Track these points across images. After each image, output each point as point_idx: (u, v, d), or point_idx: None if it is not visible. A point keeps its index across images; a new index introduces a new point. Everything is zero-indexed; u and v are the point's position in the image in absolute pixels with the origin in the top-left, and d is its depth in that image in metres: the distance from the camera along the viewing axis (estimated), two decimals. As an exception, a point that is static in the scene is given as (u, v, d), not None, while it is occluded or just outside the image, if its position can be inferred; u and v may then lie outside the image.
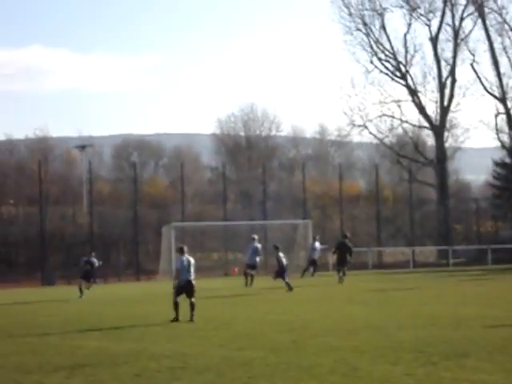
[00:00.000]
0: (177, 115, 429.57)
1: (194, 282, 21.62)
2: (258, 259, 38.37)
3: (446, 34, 70.48)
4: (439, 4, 69.97)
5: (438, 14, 70.06)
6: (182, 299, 21.14)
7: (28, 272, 56.47)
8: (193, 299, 21.28)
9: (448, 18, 69.93)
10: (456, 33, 69.46)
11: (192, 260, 21.99)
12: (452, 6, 69.63)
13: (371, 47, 70.62)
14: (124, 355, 14.46)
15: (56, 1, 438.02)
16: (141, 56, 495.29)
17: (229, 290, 34.50)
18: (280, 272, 32.54)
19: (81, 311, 25.88)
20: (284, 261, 32.67)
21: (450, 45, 70.17)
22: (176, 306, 21.14)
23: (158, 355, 14.29)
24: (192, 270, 21.73)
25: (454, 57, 69.69)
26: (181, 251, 22.09)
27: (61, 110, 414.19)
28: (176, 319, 20.83)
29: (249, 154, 78.98)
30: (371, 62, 71.01)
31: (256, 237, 39.60)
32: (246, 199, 70.67)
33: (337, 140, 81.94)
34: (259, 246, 39.31)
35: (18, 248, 60.44)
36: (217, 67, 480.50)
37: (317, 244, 44.22)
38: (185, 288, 21.46)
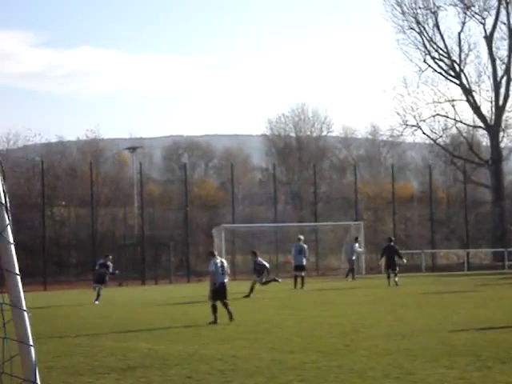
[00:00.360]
0: (227, 116, 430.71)
1: (227, 284, 22.11)
2: (304, 260, 38.37)
3: (501, 33, 69.58)
4: (494, 2, 69.09)
5: (493, 12, 69.16)
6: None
7: (79, 273, 57.16)
8: (225, 300, 21.72)
9: (503, 16, 69.03)
10: (511, 31, 68.53)
11: (225, 262, 22.37)
12: (507, 3, 68.66)
13: (424, 46, 70.01)
14: (175, 357, 14.56)
15: (105, 2, 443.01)
16: (192, 57, 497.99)
17: (279, 293, 34.50)
18: (260, 272, 33.47)
19: (132, 313, 26.12)
20: (266, 264, 34.21)
21: (505, 43, 69.22)
22: (214, 309, 21.40)
23: (208, 357, 14.36)
24: (225, 271, 22.20)
25: (509, 55, 68.74)
26: (212, 254, 22.66)
27: (112, 111, 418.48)
28: (214, 322, 21.03)
29: (299, 155, 78.85)
30: (424, 61, 70.42)
31: (302, 237, 39.64)
32: (297, 201, 70.64)
33: (389, 140, 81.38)
34: (305, 246, 39.34)
35: (69, 249, 61.21)
36: (267, 68, 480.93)
37: (356, 245, 44.08)
38: (220, 290, 21.78)
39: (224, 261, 22.60)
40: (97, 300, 32.35)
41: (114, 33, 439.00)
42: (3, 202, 3.98)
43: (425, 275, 50.28)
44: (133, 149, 68.94)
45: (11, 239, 4.01)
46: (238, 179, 64.62)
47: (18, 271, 3.98)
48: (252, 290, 32.07)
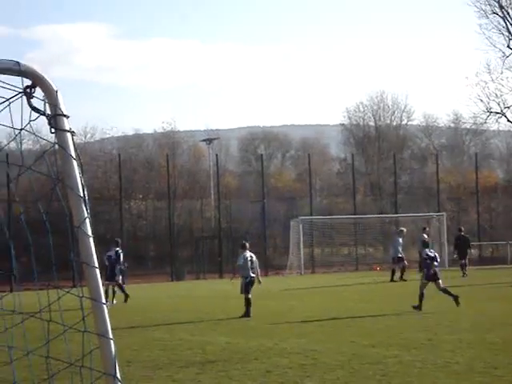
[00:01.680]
0: (304, 106, 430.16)
1: (254, 279, 22.53)
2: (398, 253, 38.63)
3: None
4: None
5: None
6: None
7: (157, 267, 57.88)
8: (249, 295, 22.04)
9: None
10: None
11: (254, 257, 22.79)
12: None
13: (508, 31, 68.42)
14: (253, 351, 14.63)
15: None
16: (269, 46, 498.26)
17: (359, 286, 34.32)
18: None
19: (209, 306, 26.32)
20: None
21: None
22: (248, 302, 21.89)
23: (287, 351, 14.39)
24: (254, 266, 22.65)
25: None
26: (243, 247, 22.79)
27: (188, 103, 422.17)
28: (247, 315, 21.53)
29: (379, 145, 78.13)
30: (508, 47, 68.81)
31: (405, 230, 40.20)
32: (376, 191, 70.02)
33: (472, 128, 79.98)
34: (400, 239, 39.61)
35: (147, 243, 61.99)
36: (345, 55, 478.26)
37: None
38: (250, 284, 22.30)
39: (253, 255, 22.79)
40: (108, 300, 26.15)
41: (192, 23, 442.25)
42: (82, 195, 4.05)
43: (510, 267, 49.33)
44: (209, 140, 69.36)
45: (90, 232, 4.07)
46: (315, 170, 64.42)
47: (96, 264, 4.04)
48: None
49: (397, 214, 58.25)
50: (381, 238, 62.17)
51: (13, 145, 51.09)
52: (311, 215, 56.80)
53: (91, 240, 4.07)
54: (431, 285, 22.09)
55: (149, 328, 19.85)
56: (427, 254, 22.48)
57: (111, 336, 4.02)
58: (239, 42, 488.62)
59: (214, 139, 71.39)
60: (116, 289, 28.58)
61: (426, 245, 24.31)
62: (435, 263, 22.32)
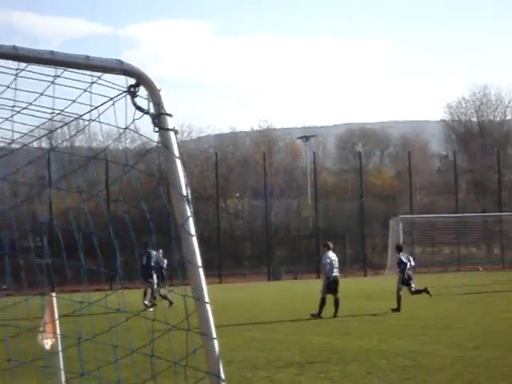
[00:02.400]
0: (403, 102, 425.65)
1: (338, 279, 22.68)
2: None
3: None
4: None
5: None
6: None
7: (254, 266, 58.16)
8: (337, 295, 22.19)
9: None
10: None
11: (336, 257, 22.98)
12: None
13: None
14: (352, 352, 14.55)
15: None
16: (368, 42, 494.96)
17: (462, 287, 33.75)
18: None
19: (307, 306, 26.29)
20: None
21: None
22: (323, 302, 21.99)
23: (388, 353, 14.25)
24: (337, 266, 22.76)
25: None
26: (327, 247, 22.78)
27: (284, 100, 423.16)
28: (318, 315, 21.70)
29: (481, 141, 76.59)
30: None
31: None
32: (479, 189, 68.70)
33: None
34: None
35: (243, 242, 62.35)
36: (446, 49, 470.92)
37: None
38: (332, 284, 22.36)
39: (335, 256, 23.01)
40: (147, 300, 26.01)
41: (288, 18, 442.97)
42: (185, 193, 4.09)
43: None
44: (306, 138, 69.26)
45: (193, 231, 4.11)
46: (415, 167, 63.60)
47: (200, 264, 4.07)
48: None
49: (501, 212, 57.00)
50: (484, 238, 61.01)
51: (112, 144, 52.02)
52: (411, 214, 56.13)
53: (194, 239, 4.11)
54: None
55: (246, 327, 19.97)
56: None
57: (215, 336, 4.05)
58: (338, 37, 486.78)
59: (311, 136, 71.21)
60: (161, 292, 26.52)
61: None
62: None
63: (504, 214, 56.32)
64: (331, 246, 23.24)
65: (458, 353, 14.02)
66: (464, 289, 32.45)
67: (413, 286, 23.71)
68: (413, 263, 24.11)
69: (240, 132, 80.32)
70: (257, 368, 13.13)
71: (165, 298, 25.75)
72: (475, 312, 21.97)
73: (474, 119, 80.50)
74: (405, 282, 23.42)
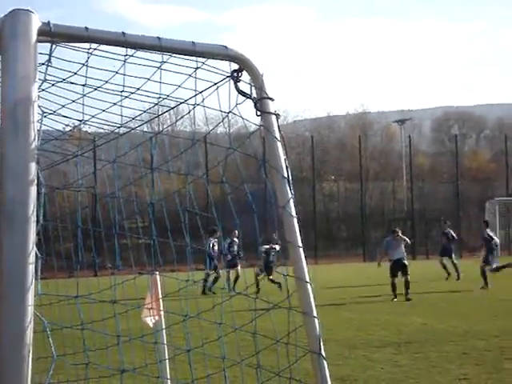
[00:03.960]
0: (501, 84, 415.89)
1: (406, 261, 22.89)
2: None
3: None
4: None
5: None
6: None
7: (349, 247, 58.02)
8: (407, 277, 22.23)
9: None
10: None
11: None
12: None
13: None
14: (449, 333, 14.36)
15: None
16: (462, 23, 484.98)
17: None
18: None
19: (401, 287, 26.08)
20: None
21: None
22: (392, 286, 22.29)
23: (485, 334, 14.01)
24: (403, 248, 23.09)
25: None
26: (394, 233, 22.76)
27: (380, 84, 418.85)
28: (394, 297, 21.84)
29: None
30: None
31: None
32: None
33: None
34: None
35: (339, 224, 62.23)
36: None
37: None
38: (398, 267, 22.61)
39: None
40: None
41: (380, 1, 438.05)
42: (286, 175, 4.09)
43: None
44: (401, 121, 68.49)
45: (294, 212, 4.11)
46: (511, 150, 62.16)
47: (300, 244, 4.08)
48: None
49: None
50: None
51: (205, 128, 52.49)
52: (508, 196, 54.93)
53: (295, 220, 4.11)
54: None
55: (344, 308, 19.95)
56: None
57: (316, 314, 4.05)
58: (434, 19, 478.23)
59: (407, 120, 70.39)
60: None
61: None
62: None
63: None
64: (399, 230, 23.37)
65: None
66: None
67: (495, 264, 23.39)
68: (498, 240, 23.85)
69: (336, 116, 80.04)
70: (354, 347, 13.10)
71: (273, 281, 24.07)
72: None
73: None
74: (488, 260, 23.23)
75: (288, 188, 4.12)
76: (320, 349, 4.04)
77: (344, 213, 61.42)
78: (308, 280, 4.05)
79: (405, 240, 23.31)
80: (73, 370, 6.43)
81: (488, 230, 24.39)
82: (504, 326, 15.04)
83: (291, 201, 4.10)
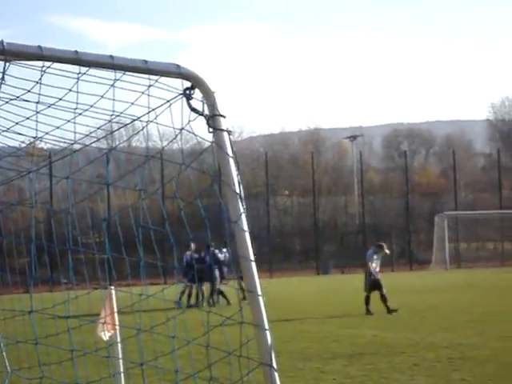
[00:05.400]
0: (448, 102, 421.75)
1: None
2: None
3: None
4: None
5: None
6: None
7: (303, 261, 58.18)
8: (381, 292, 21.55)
9: None
10: None
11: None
12: None
13: None
14: (401, 345, 14.46)
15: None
16: (413, 41, 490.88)
17: (506, 282, 33.34)
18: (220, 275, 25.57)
19: (355, 300, 26.20)
20: (221, 256, 26.24)
21: None
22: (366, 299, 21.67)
23: (435, 345, 14.13)
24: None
25: None
26: (381, 247, 22.38)
27: (332, 101, 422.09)
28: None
29: (525, 140, 75.61)
30: None
31: None
32: (524, 186, 67.79)
33: None
34: None
35: (293, 237, 62.41)
36: (490, 50, 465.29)
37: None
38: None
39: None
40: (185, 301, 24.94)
41: (316, 19, 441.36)
42: (238, 191, 4.11)
43: None
44: (353, 138, 69.06)
45: (246, 227, 4.13)
46: (460, 165, 63.02)
47: (252, 258, 4.09)
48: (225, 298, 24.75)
49: (545, 208, 56.19)
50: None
51: (161, 144, 52.29)
52: (456, 210, 55.62)
53: (247, 234, 4.13)
54: None
55: (297, 320, 19.97)
56: None
57: (267, 327, 4.06)
58: (388, 36, 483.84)
59: (358, 136, 71.00)
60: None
61: None
62: None
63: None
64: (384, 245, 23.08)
65: (503, 345, 13.85)
66: (508, 284, 32.03)
67: None
68: None
69: (289, 132, 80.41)
70: (308, 359, 13.12)
71: (223, 295, 24.59)
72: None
73: (518, 118, 79.49)
74: None
75: (240, 203, 4.13)
76: (271, 361, 4.05)
77: (298, 227, 61.63)
78: (260, 293, 4.07)
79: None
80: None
81: None
82: (453, 338, 15.19)
83: (243, 216, 4.12)
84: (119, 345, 7.04)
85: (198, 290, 25.43)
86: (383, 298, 21.38)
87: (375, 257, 22.28)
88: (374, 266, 22.10)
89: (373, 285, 21.71)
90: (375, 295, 21.60)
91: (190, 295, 25.45)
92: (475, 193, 67.68)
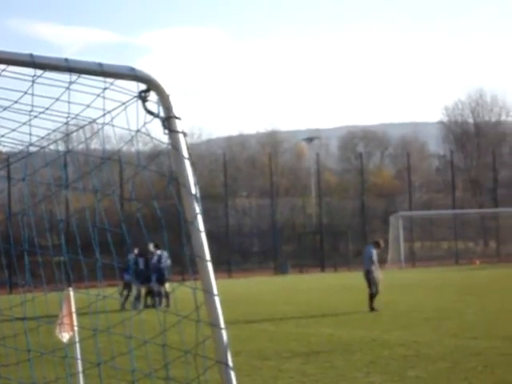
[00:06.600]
0: (402, 104, 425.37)
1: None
2: None
3: None
4: None
5: None
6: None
7: (261, 261, 58.23)
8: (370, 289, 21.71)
9: None
10: None
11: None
12: None
13: None
14: (357, 343, 14.56)
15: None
16: (363, 46, 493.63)
17: (460, 280, 33.72)
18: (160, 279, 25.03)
19: (313, 299, 26.33)
20: (167, 262, 25.62)
21: None
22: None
23: (390, 343, 14.26)
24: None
25: None
26: (378, 244, 22.50)
27: (289, 104, 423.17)
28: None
29: (477, 141, 76.53)
30: None
31: None
32: (476, 187, 68.67)
33: None
34: None
35: (251, 238, 62.46)
36: (442, 53, 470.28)
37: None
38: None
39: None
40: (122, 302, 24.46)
41: (286, 23, 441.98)
42: (194, 192, 4.11)
43: None
44: (310, 139, 69.34)
45: (201, 228, 4.13)
46: (414, 167, 63.60)
47: (208, 258, 4.10)
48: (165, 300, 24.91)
49: (497, 208, 56.96)
50: (480, 233, 60.92)
51: (124, 147, 52.08)
52: (410, 210, 56.13)
53: (203, 235, 4.13)
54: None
55: (255, 320, 20.00)
56: None
57: (223, 326, 4.07)
58: (341, 39, 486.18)
59: (315, 138, 71.31)
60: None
61: None
62: None
63: (499, 210, 56.28)
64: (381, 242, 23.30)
65: (457, 342, 14.02)
66: (462, 282, 32.42)
67: None
68: None
69: (247, 135, 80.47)
70: (265, 358, 13.15)
71: (167, 296, 24.55)
72: (473, 304, 21.95)
73: (471, 120, 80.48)
74: None
75: (196, 204, 4.13)
76: (227, 359, 4.06)
77: (256, 227, 61.69)
78: (215, 292, 4.07)
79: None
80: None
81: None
82: (407, 336, 15.34)
83: (199, 216, 4.12)
84: (77, 345, 6.99)
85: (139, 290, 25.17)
86: (372, 296, 21.54)
87: (375, 253, 22.36)
88: (376, 262, 22.24)
89: (372, 281, 21.77)
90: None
91: (139, 296, 25.04)
92: (429, 193, 68.34)
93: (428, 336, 15.13)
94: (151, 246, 25.32)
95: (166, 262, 25.29)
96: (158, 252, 25.32)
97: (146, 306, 24.25)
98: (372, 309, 21.15)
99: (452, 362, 11.84)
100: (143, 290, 25.49)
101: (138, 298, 25.03)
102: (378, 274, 22.11)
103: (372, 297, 21.51)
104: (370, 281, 21.87)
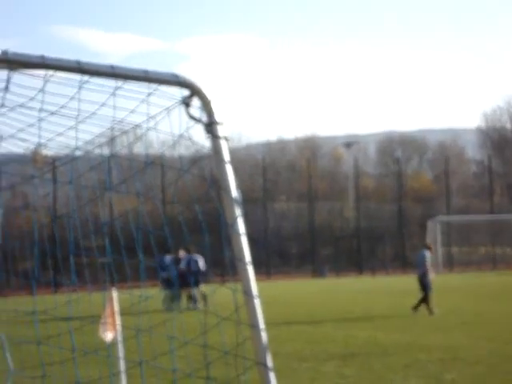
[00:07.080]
0: (441, 110, 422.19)
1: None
2: None
3: None
4: None
5: None
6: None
7: (299, 264, 58.15)
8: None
9: None
10: None
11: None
12: None
13: None
14: (393, 346, 14.47)
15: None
16: (407, 50, 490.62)
17: (498, 285, 33.35)
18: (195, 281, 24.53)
19: (351, 302, 26.22)
20: (201, 264, 25.16)
21: None
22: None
23: (427, 347, 14.14)
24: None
25: None
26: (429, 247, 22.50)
27: (328, 109, 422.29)
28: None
29: (515, 147, 75.63)
30: None
31: None
32: (513, 192, 67.84)
33: None
34: None
35: (289, 241, 62.39)
36: (481, 59, 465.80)
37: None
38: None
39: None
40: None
41: (325, 30, 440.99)
42: (235, 195, 4.13)
43: None
44: (348, 145, 69.14)
45: (242, 231, 4.14)
46: (452, 172, 63.08)
47: (249, 260, 4.11)
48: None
49: (535, 213, 56.25)
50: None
51: (167, 151, 52.34)
52: (448, 215, 55.65)
53: (243, 237, 4.14)
54: None
55: (293, 321, 19.97)
56: None
57: (262, 327, 4.07)
58: (384, 46, 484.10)
59: (353, 143, 71.08)
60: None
61: None
62: None
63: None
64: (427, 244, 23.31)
65: (493, 346, 13.87)
66: (499, 286, 32.05)
67: None
68: None
69: (286, 140, 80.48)
70: (303, 359, 13.12)
71: (204, 299, 24.10)
72: (510, 308, 21.70)
73: (509, 126, 79.65)
74: None
75: (236, 208, 4.15)
76: (266, 360, 4.06)
77: (294, 231, 61.60)
78: (255, 294, 4.08)
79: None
80: (30, 382, 6.36)
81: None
82: (444, 339, 15.21)
83: (239, 220, 4.14)
84: (120, 345, 7.04)
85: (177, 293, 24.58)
86: (427, 299, 21.33)
87: (429, 256, 22.37)
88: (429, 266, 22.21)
89: (428, 284, 21.57)
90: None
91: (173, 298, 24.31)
92: (467, 198, 67.69)
93: (465, 340, 14.99)
94: (181, 253, 25.06)
95: (198, 265, 24.91)
96: (189, 256, 24.93)
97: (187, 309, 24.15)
98: (430, 311, 20.94)
99: (488, 366, 11.71)
100: (182, 293, 25.18)
101: (172, 299, 24.81)
102: (432, 276, 22.08)
103: (427, 300, 21.33)
104: (426, 284, 21.72)
